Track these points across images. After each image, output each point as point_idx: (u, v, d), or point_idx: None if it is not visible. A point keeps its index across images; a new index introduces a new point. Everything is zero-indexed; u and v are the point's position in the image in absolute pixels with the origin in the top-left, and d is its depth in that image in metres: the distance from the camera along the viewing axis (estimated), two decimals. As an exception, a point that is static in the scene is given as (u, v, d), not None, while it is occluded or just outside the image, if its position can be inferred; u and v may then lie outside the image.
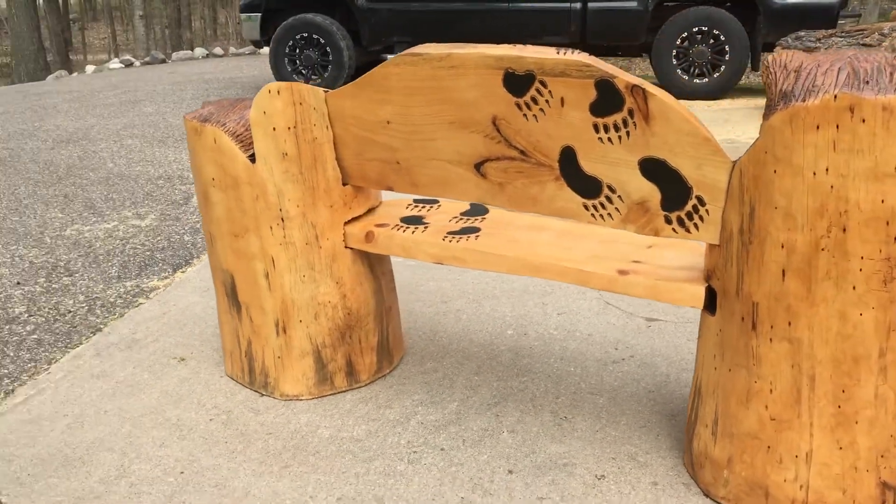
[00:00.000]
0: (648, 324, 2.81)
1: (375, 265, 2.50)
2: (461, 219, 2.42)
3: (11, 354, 2.85)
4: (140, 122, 7.54)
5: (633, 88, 1.78)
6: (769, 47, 7.82)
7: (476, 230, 2.32)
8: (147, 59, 15.03)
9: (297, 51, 8.19)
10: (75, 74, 14.51)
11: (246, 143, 2.31)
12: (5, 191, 5.17)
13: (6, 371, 2.73)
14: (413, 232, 2.31)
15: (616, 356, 2.60)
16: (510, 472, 2.05)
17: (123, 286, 3.41)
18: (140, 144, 6.49)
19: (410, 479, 2.04)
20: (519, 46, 1.95)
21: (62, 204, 4.80)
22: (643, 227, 1.92)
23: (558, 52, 1.87)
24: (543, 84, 1.90)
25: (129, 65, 14.71)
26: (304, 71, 8.17)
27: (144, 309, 3.18)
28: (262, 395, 2.47)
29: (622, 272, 1.99)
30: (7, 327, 3.07)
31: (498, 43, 7.98)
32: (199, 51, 15.62)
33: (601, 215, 1.97)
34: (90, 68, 14.72)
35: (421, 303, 3.08)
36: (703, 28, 7.59)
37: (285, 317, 2.39)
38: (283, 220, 2.31)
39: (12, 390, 2.61)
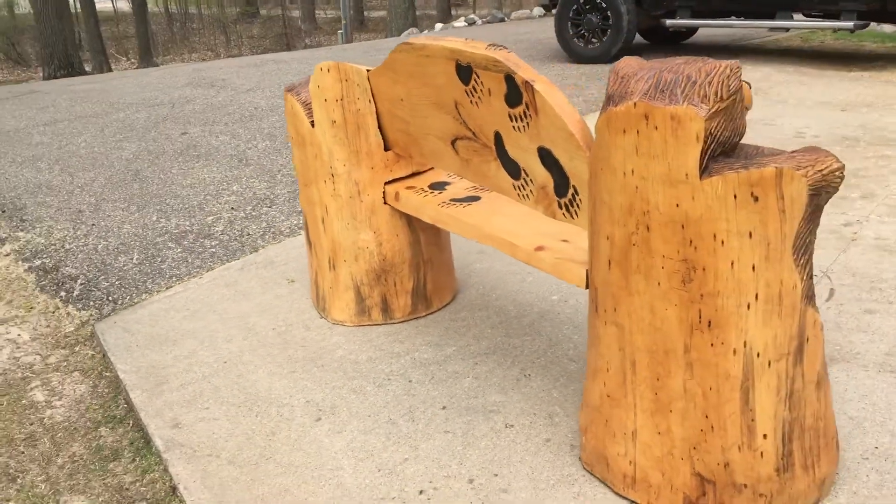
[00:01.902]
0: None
1: (415, 221, 2.91)
2: (476, 188, 2.74)
3: (189, 261, 3.73)
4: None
5: (526, 84, 2.00)
6: None
7: (476, 199, 2.63)
8: (487, 18, 16.11)
9: (581, 15, 8.46)
10: (425, 32, 16.06)
11: (312, 110, 2.85)
12: (281, 134, 6.27)
13: (177, 272, 3.61)
14: (425, 196, 2.69)
15: (626, 332, 2.75)
16: (444, 407, 2.40)
17: (298, 219, 4.18)
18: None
19: (365, 398, 2.48)
20: (463, 41, 2.24)
21: (312, 148, 5.76)
22: (546, 209, 2.13)
23: (486, 48, 2.14)
24: (478, 75, 2.18)
25: (472, 23, 15.90)
26: (584, 34, 8.43)
27: (298, 239, 3.90)
28: (321, 317, 3.04)
29: (539, 248, 2.21)
30: (201, 241, 3.98)
31: (786, 12, 7.54)
32: (536, 10, 16.35)
33: (523, 195, 2.21)
34: (438, 26, 16.19)
35: (502, 262, 3.42)
36: None
37: (334, 255, 2.91)
38: (332, 175, 2.82)
39: (171, 286, 3.47)
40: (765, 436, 1.76)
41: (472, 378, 2.53)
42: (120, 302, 3.39)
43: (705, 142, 1.60)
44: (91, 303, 3.44)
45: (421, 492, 2.03)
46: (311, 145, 2.83)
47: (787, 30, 8.26)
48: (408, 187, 2.79)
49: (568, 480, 2.02)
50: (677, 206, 1.66)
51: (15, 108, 9.51)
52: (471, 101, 2.24)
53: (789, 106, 6.05)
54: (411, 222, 2.90)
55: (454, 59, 2.23)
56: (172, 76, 11.30)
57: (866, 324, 2.65)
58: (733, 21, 7.88)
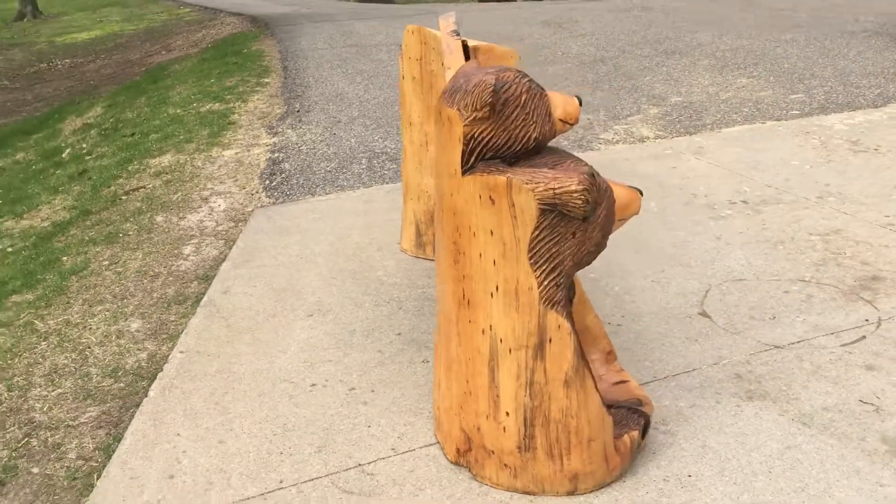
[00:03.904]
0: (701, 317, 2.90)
1: (471, 177, 3.28)
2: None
3: (361, 177, 4.46)
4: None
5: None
6: None
7: (490, 166, 2.94)
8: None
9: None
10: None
11: (407, 66, 3.33)
12: (561, 84, 6.67)
13: (344, 184, 4.36)
14: (459, 155, 3.06)
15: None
16: (399, 334, 2.84)
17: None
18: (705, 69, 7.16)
19: (356, 311, 3.00)
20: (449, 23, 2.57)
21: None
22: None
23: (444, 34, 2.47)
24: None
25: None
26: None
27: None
28: (398, 242, 3.58)
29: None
30: (384, 163, 4.68)
31: None
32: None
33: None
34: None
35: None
36: None
37: (406, 192, 3.41)
38: (410, 124, 3.30)
39: (329, 193, 4.23)
40: (507, 413, 1.97)
41: (445, 318, 2.91)
42: (291, 197, 4.24)
43: (467, 144, 1.85)
44: (276, 193, 4.34)
45: (312, 385, 2.54)
46: (402, 94, 3.32)
47: None
48: (459, 145, 3.16)
49: (414, 411, 2.38)
50: (451, 195, 1.92)
51: (399, 26, 10.96)
52: (448, 78, 2.57)
53: None
54: (466, 177, 3.27)
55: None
56: (543, 12, 12.00)
57: (856, 379, 2.48)
58: None
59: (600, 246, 1.92)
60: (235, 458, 2.20)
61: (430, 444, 2.23)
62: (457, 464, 2.13)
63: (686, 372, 2.53)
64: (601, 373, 2.28)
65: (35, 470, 2.26)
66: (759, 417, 2.31)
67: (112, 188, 4.97)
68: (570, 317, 1.90)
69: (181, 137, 5.81)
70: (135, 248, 3.82)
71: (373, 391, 2.49)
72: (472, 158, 1.86)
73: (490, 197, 1.81)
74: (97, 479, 2.16)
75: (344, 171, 4.57)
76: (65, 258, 3.84)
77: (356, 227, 3.73)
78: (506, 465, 2.01)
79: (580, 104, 1.95)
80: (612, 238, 3.48)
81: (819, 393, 2.40)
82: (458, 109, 1.83)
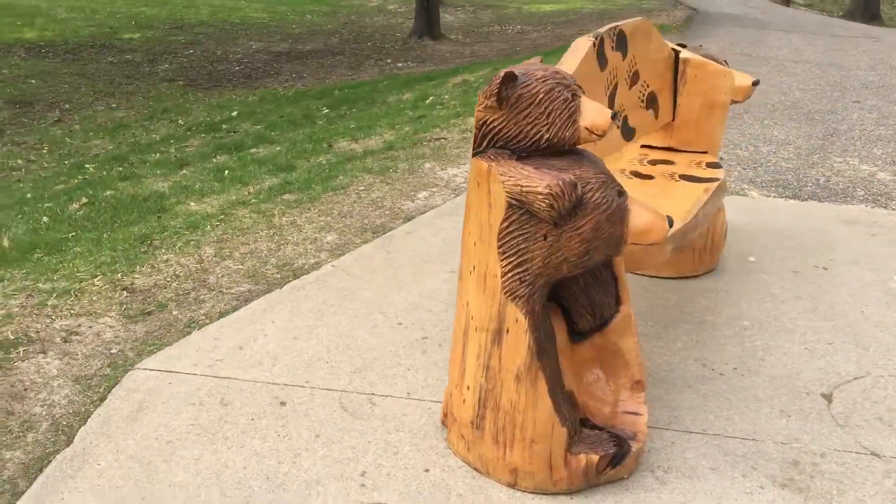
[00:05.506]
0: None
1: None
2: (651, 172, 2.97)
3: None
4: None
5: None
6: None
7: (646, 177, 2.92)
8: None
9: None
10: None
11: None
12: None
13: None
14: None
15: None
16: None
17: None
18: None
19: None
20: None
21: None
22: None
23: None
24: (589, 57, 2.59)
25: None
26: None
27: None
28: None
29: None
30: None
31: None
32: None
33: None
34: None
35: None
36: None
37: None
38: (615, 124, 3.36)
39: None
40: (468, 387, 2.10)
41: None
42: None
43: (479, 128, 1.98)
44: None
45: (399, 323, 2.83)
46: (617, 96, 3.38)
47: None
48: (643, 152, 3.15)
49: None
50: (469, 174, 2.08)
51: (821, 43, 10.26)
52: (595, 79, 2.64)
53: None
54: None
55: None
56: None
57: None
58: None
59: (583, 258, 1.92)
60: (293, 353, 2.60)
61: (439, 402, 2.40)
62: (443, 424, 2.29)
63: (741, 438, 2.35)
64: (621, 398, 2.25)
65: (175, 312, 2.88)
66: (718, 468, 2.10)
67: (426, 134, 5.61)
68: (531, 315, 1.95)
69: (510, 105, 6.26)
70: (390, 182, 4.37)
71: (440, 346, 2.70)
72: (485, 143, 1.98)
73: (478, 181, 1.93)
74: (196, 330, 2.70)
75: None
76: (340, 177, 4.52)
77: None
78: (462, 435, 2.13)
79: (613, 118, 1.95)
80: (801, 296, 3.17)
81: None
82: (481, 96, 1.96)
